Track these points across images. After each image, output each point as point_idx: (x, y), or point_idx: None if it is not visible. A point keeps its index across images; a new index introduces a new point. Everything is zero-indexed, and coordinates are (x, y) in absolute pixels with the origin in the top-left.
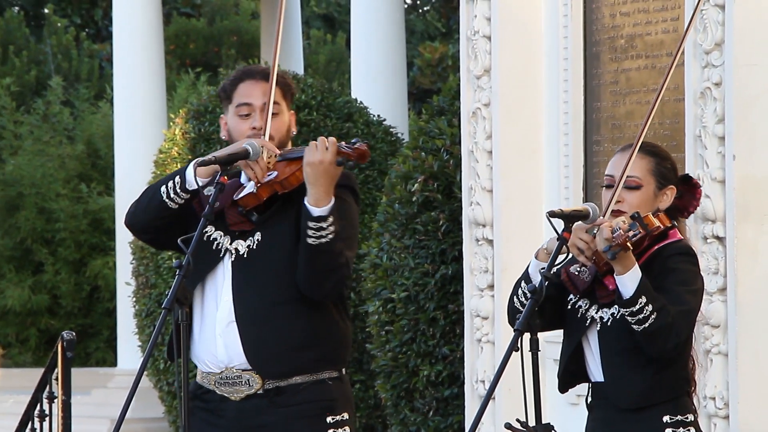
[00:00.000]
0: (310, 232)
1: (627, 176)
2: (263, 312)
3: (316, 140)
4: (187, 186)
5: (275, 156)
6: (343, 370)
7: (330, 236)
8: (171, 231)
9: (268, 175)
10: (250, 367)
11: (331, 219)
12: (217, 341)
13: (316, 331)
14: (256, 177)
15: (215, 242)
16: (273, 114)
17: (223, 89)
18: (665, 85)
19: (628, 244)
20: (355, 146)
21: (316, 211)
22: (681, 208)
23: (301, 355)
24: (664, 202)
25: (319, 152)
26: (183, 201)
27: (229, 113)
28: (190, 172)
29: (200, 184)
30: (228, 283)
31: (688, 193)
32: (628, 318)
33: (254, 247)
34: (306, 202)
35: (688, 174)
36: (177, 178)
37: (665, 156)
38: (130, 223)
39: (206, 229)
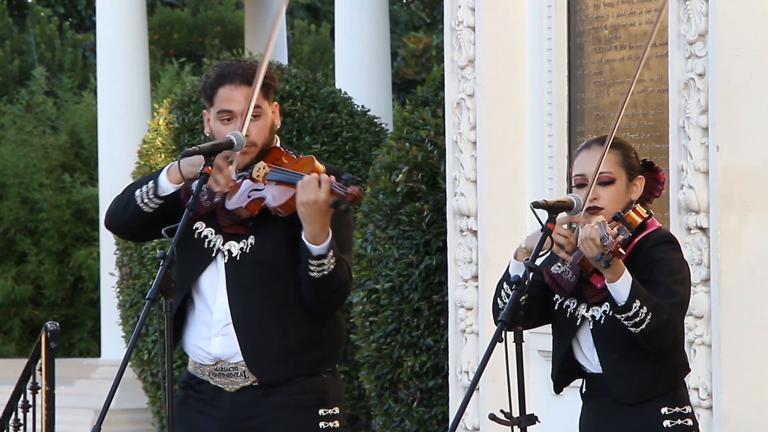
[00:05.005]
0: (311, 268)
1: (600, 172)
2: (261, 316)
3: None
4: (159, 192)
5: (267, 168)
6: (336, 364)
7: (332, 266)
8: (152, 227)
9: (258, 190)
10: (243, 362)
11: (331, 253)
12: (212, 341)
13: (316, 333)
14: (221, 188)
15: (206, 240)
16: (254, 116)
17: (204, 90)
18: (635, 80)
19: (620, 249)
20: (348, 189)
21: (315, 250)
22: (647, 194)
23: (301, 359)
24: (635, 193)
25: (312, 192)
26: (157, 206)
27: (212, 115)
28: (163, 177)
29: (173, 189)
30: (222, 285)
31: (652, 178)
32: (625, 322)
33: (247, 250)
34: (304, 239)
35: (648, 160)
36: (150, 183)
37: (629, 147)
38: (108, 225)
39: (196, 225)
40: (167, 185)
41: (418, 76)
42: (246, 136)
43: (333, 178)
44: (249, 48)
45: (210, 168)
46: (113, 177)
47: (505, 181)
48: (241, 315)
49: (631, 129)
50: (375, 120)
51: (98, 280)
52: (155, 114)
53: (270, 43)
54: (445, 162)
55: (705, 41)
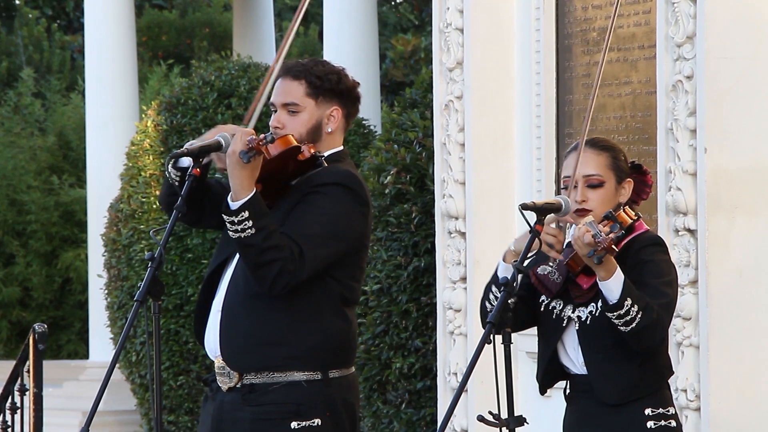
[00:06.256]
0: (228, 225)
1: (589, 175)
2: (242, 304)
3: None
4: (177, 164)
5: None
6: (332, 372)
7: (249, 231)
8: (196, 210)
9: None
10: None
11: (245, 214)
12: (208, 329)
13: (291, 328)
14: (221, 163)
15: None
16: (291, 112)
17: None
18: (599, 79)
19: (613, 246)
20: (257, 140)
21: (231, 205)
22: (634, 197)
23: (268, 351)
24: (623, 196)
25: (231, 144)
26: (178, 179)
27: None
28: (183, 149)
29: (185, 164)
30: (230, 274)
31: (640, 181)
32: (615, 321)
33: None
34: (228, 195)
35: (636, 162)
36: (173, 159)
37: (619, 149)
38: (159, 201)
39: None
40: (183, 158)
41: (406, 78)
42: (275, 127)
43: (261, 136)
44: (237, 50)
45: (198, 170)
46: (101, 179)
47: (494, 183)
48: (228, 302)
49: (619, 131)
50: (363, 122)
51: (86, 282)
52: (143, 116)
53: (286, 40)
54: (433, 164)
55: (693, 43)
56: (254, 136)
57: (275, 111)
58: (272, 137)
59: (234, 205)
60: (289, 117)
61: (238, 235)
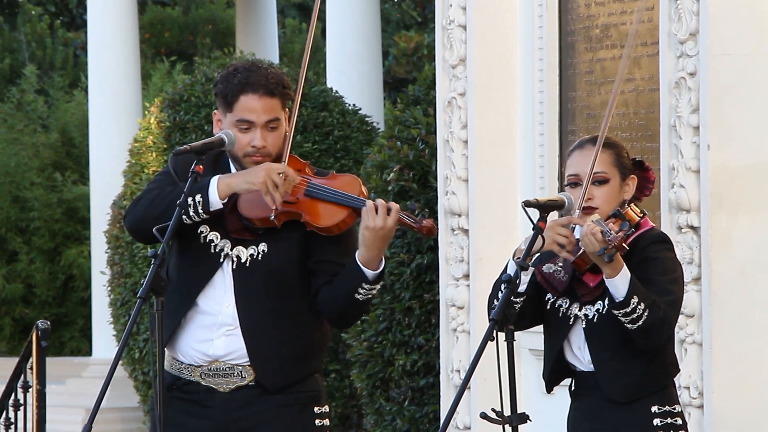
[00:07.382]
0: (361, 291)
1: (594, 172)
2: (270, 324)
3: (372, 199)
4: (211, 207)
5: (297, 179)
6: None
7: (374, 292)
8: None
9: (291, 203)
10: (245, 362)
11: (380, 281)
12: (215, 342)
13: (316, 343)
14: (275, 204)
15: (212, 245)
16: (271, 128)
17: (224, 93)
18: (621, 78)
19: (624, 244)
20: (421, 221)
21: (371, 274)
22: (637, 193)
23: (301, 367)
24: (628, 193)
25: (380, 218)
26: (200, 220)
27: (228, 120)
28: (213, 192)
29: (221, 204)
30: (230, 290)
31: (643, 177)
32: (622, 318)
33: (258, 257)
34: (359, 262)
35: (638, 159)
36: (198, 197)
37: (621, 146)
38: (134, 229)
39: (200, 229)
40: (216, 200)
41: (409, 74)
42: (263, 147)
43: (397, 205)
44: (240, 47)
45: (201, 167)
46: (104, 175)
47: (497, 180)
48: (249, 321)
49: (622, 128)
50: (366, 119)
51: (89, 279)
52: (146, 113)
53: (305, 58)
54: (436, 161)
55: (696, 40)
56: (403, 212)
57: (246, 129)
58: (417, 209)
59: (374, 276)
60: (269, 133)
61: (366, 297)
